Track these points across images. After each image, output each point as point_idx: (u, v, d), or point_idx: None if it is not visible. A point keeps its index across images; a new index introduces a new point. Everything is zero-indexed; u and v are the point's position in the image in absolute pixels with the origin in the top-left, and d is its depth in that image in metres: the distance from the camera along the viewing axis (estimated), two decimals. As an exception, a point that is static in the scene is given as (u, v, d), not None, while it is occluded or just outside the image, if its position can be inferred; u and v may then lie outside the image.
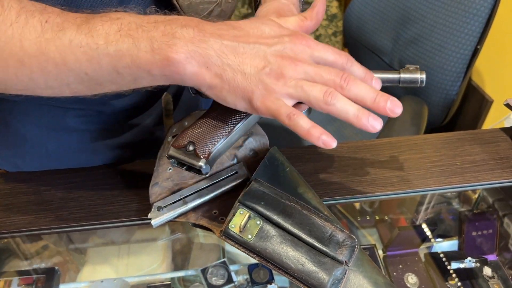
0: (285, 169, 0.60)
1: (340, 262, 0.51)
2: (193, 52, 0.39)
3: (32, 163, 0.69)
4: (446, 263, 0.74)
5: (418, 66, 0.51)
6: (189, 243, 0.87)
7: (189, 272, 0.78)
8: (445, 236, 0.84)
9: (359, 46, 1.44)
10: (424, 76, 0.51)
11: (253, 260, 0.73)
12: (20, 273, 0.76)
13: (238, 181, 0.60)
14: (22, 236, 0.69)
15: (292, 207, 0.54)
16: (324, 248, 0.51)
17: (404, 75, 0.51)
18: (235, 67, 0.41)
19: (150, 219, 0.57)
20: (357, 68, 0.47)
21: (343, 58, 0.46)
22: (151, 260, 0.82)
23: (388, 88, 1.36)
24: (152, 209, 0.57)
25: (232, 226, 0.53)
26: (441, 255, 0.75)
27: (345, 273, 0.51)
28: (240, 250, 0.53)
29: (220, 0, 0.57)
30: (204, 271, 0.72)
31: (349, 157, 0.68)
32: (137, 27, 0.39)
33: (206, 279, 0.71)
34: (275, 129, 1.34)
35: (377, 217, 0.89)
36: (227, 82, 0.42)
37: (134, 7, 0.45)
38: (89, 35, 0.38)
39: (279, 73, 0.42)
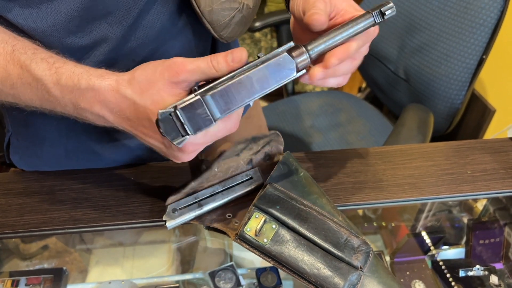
0: (299, 174, 0.60)
1: (355, 268, 0.51)
2: None
3: (49, 162, 0.69)
4: (453, 271, 0.74)
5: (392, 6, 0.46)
6: (193, 246, 0.87)
7: (197, 275, 0.78)
8: (449, 243, 0.84)
9: (364, 53, 1.45)
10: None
11: (260, 264, 0.74)
12: (28, 272, 0.76)
13: (252, 187, 0.61)
14: (34, 236, 0.69)
15: (307, 211, 0.55)
16: (339, 253, 0.52)
17: (380, 20, 0.46)
18: None
19: (164, 220, 0.57)
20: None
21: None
22: (158, 263, 0.82)
23: (394, 98, 1.35)
24: (167, 211, 0.57)
25: (248, 229, 0.53)
26: (448, 263, 0.76)
27: (360, 278, 0.51)
28: (255, 253, 0.53)
29: (242, 6, 0.57)
30: (212, 275, 0.72)
31: (361, 163, 0.68)
32: None
33: (214, 283, 0.71)
34: (287, 134, 1.35)
35: (383, 224, 0.89)
36: None
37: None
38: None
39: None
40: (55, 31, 0.52)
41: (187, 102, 0.41)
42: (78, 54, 0.54)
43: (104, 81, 0.45)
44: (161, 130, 0.42)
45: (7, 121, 0.70)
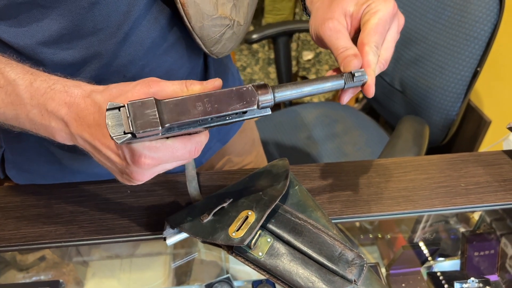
0: (294, 187, 0.61)
1: (349, 281, 0.51)
2: None
3: (47, 176, 0.69)
4: (449, 283, 0.74)
5: (363, 70, 0.48)
6: (190, 258, 0.87)
7: (193, 288, 0.78)
8: (445, 255, 0.85)
9: (360, 65, 1.46)
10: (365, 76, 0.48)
11: (257, 277, 0.74)
12: (24, 285, 0.76)
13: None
14: (31, 249, 0.69)
15: (302, 225, 0.55)
16: (333, 267, 0.52)
17: (349, 84, 0.48)
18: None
19: (161, 234, 0.57)
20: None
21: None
22: (155, 275, 0.82)
23: (390, 109, 1.36)
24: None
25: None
26: (443, 275, 0.76)
27: (354, 292, 0.51)
28: (250, 267, 0.53)
29: (232, 23, 0.58)
30: (208, 287, 0.72)
31: (356, 176, 0.69)
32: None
33: (210, 295, 0.71)
34: (284, 145, 1.35)
35: (379, 235, 0.89)
36: None
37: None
38: None
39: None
40: (45, 48, 0.52)
41: (140, 100, 0.40)
42: (69, 71, 0.54)
43: (80, 87, 0.45)
44: (106, 121, 0.40)
45: (0, 137, 0.70)
